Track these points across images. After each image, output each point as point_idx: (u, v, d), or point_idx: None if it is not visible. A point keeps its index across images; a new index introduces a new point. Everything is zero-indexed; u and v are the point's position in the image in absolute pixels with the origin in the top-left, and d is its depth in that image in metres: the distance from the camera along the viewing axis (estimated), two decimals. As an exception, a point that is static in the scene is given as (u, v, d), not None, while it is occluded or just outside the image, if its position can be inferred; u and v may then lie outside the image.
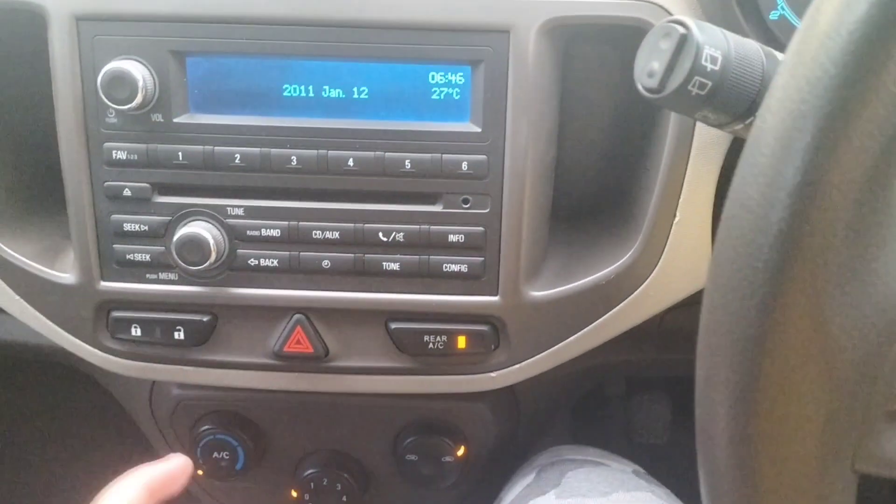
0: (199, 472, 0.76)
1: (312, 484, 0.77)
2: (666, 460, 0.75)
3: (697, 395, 0.33)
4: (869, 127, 0.27)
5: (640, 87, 0.41)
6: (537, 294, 0.62)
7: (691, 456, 0.67)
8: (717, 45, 0.39)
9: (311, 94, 0.58)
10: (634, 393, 1.25)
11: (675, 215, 0.60)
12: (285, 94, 0.58)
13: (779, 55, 0.41)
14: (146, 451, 0.85)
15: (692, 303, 0.66)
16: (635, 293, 0.62)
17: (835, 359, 0.30)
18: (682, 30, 0.39)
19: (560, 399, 0.90)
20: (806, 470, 0.31)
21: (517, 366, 0.64)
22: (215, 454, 0.75)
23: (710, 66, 0.38)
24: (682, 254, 0.61)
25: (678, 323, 0.76)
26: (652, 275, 0.62)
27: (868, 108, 0.27)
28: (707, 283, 0.32)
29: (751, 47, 0.40)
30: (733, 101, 0.39)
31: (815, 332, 0.29)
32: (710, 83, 0.39)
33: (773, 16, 0.63)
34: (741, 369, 0.30)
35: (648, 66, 0.40)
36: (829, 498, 0.32)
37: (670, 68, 0.40)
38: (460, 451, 0.76)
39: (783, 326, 0.29)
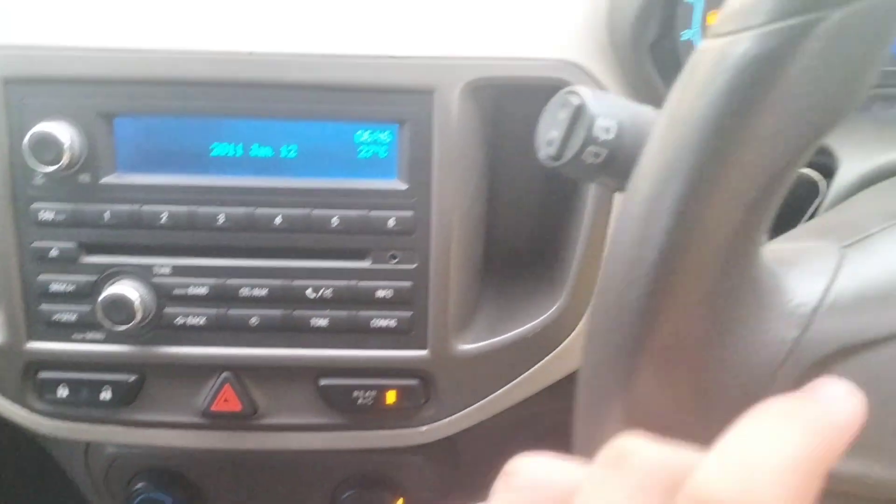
0: (134, 532, 0.75)
1: (249, 543, 0.76)
2: None
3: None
4: (723, 208, 0.29)
5: (540, 155, 0.43)
6: (466, 347, 0.63)
7: None
8: (612, 114, 0.40)
9: (240, 153, 0.59)
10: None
11: (599, 268, 0.62)
12: (213, 153, 0.58)
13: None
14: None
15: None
16: (562, 345, 0.63)
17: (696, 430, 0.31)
18: (576, 101, 0.41)
19: (501, 446, 0.90)
20: None
21: (446, 420, 0.64)
22: (150, 513, 0.74)
23: (603, 136, 0.40)
24: (608, 306, 0.63)
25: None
26: (578, 327, 0.63)
27: (723, 190, 0.28)
28: (583, 347, 0.33)
29: (646, 116, 0.42)
30: (628, 168, 0.41)
31: (676, 403, 0.30)
32: (604, 152, 0.40)
33: (684, 36, 0.64)
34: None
35: (548, 135, 0.42)
36: None
37: (567, 138, 0.41)
38: (398, 504, 0.76)
39: (643, 398, 0.30)
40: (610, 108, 0.41)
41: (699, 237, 0.29)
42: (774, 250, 0.36)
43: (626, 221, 0.31)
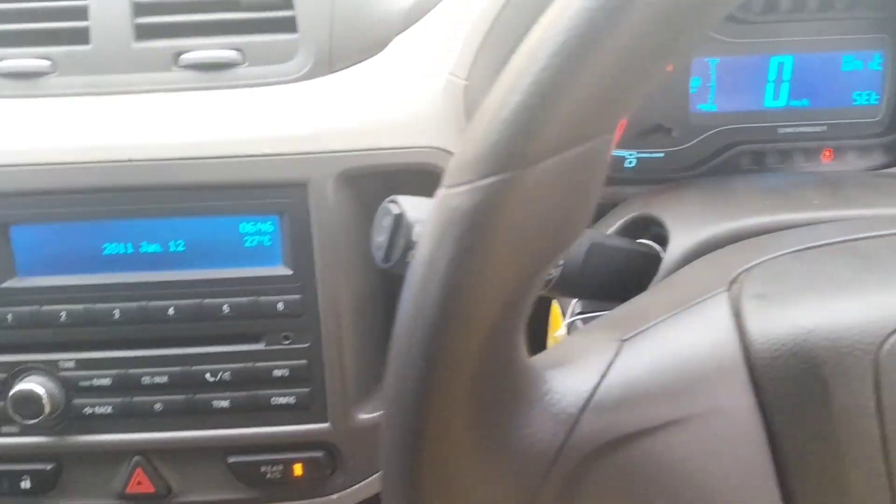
0: None
1: None
2: None
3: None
4: (471, 324, 0.31)
5: (374, 258, 0.45)
6: (367, 416, 0.65)
7: None
8: None
9: (131, 251, 0.62)
10: None
11: None
12: (106, 252, 0.62)
13: None
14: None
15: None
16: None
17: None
18: (396, 209, 0.44)
19: None
20: None
21: (356, 486, 0.67)
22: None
23: None
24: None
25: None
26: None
27: (463, 317, 0.31)
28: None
29: None
30: None
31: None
32: None
33: None
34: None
35: (377, 240, 0.45)
36: None
37: (392, 243, 0.44)
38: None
39: (423, 496, 0.32)
40: (427, 214, 0.43)
41: (454, 348, 0.31)
42: (549, 352, 0.38)
43: (395, 341, 0.33)
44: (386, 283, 0.67)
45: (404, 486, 0.33)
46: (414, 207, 0.44)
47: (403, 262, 0.44)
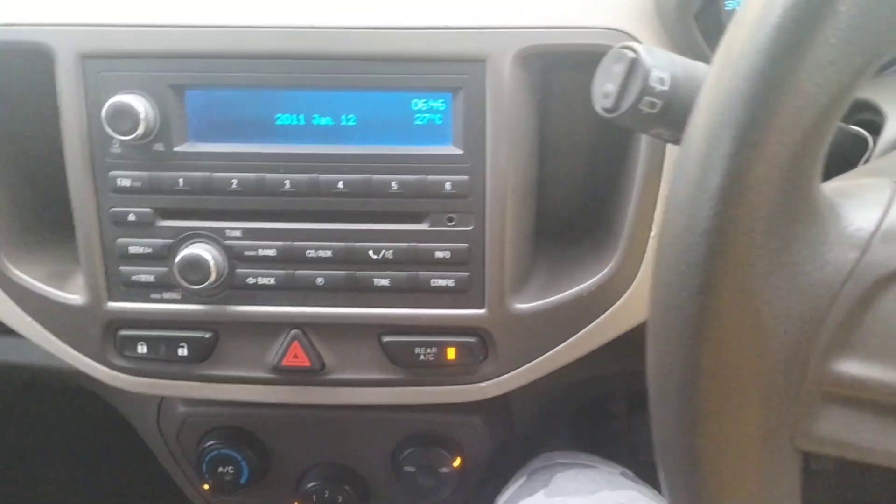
0: (206, 487, 0.79)
1: (315, 497, 0.80)
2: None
3: (648, 384, 0.36)
4: (781, 134, 0.30)
5: (597, 107, 0.45)
6: (522, 306, 0.65)
7: None
8: (665, 67, 0.42)
9: (303, 122, 0.61)
10: (636, 410, 1.27)
11: (650, 229, 0.63)
12: (278, 122, 0.61)
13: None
14: (154, 470, 0.88)
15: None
16: (616, 304, 0.65)
17: (767, 344, 0.33)
18: (631, 54, 0.43)
19: (555, 410, 0.93)
20: (748, 448, 0.34)
21: (505, 376, 0.67)
22: (220, 469, 0.78)
23: (658, 87, 0.42)
24: (660, 266, 0.64)
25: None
26: (631, 287, 0.65)
27: (781, 117, 0.30)
28: (651, 281, 0.35)
29: (698, 68, 0.44)
30: (683, 118, 0.42)
31: (748, 320, 0.32)
32: (660, 102, 0.42)
33: (729, 5, 0.65)
34: (683, 357, 0.33)
35: (604, 88, 0.44)
36: (773, 473, 0.35)
37: (623, 90, 0.43)
38: (456, 462, 0.78)
39: (717, 316, 0.32)
40: (663, 61, 0.42)
41: (761, 161, 0.30)
42: (831, 184, 0.37)
43: (689, 151, 0.32)
44: (542, 174, 0.67)
45: (702, 295, 0.32)
46: (650, 53, 0.43)
47: (635, 111, 0.43)
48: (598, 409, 1.27)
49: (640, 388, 1.15)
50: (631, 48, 0.43)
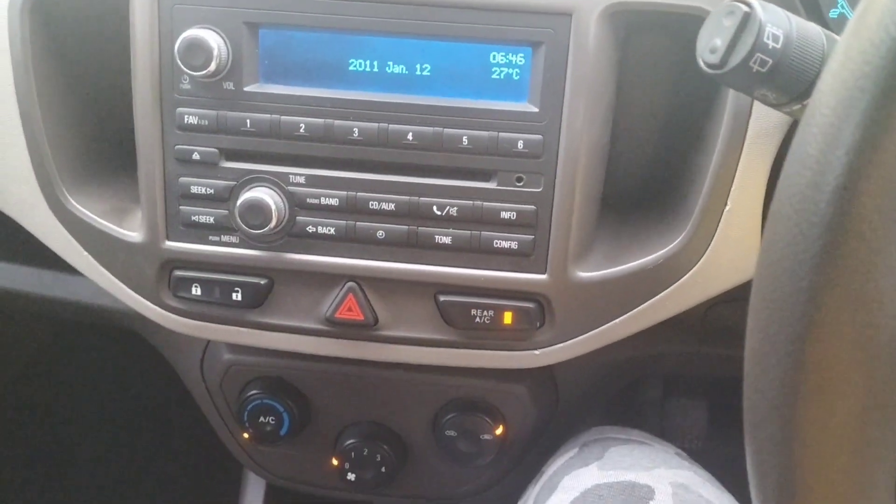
0: (245, 436, 0.79)
1: (353, 454, 0.79)
2: (702, 465, 0.76)
3: (747, 348, 0.34)
4: None
5: (701, 62, 0.42)
6: (584, 275, 0.63)
7: (727, 462, 0.67)
8: (780, 24, 0.40)
9: (376, 69, 0.60)
10: (671, 396, 1.25)
11: (725, 204, 0.61)
12: (350, 67, 0.60)
13: (839, 39, 0.42)
14: (194, 419, 0.88)
15: (737, 298, 0.67)
16: (681, 280, 0.63)
17: (883, 321, 0.31)
18: (745, 8, 0.41)
19: (599, 388, 0.91)
20: (851, 423, 0.32)
21: (560, 345, 0.65)
22: (261, 419, 0.78)
23: (771, 44, 0.39)
24: (731, 243, 0.62)
25: (722, 318, 0.77)
26: (699, 262, 0.63)
27: None
28: (764, 240, 0.33)
29: (812, 29, 0.41)
30: (793, 80, 0.40)
31: (866, 289, 0.30)
32: (770, 61, 0.40)
33: (833, 14, 0.64)
34: (791, 321, 0.31)
35: (711, 42, 0.42)
36: (876, 451, 0.33)
37: (732, 45, 0.41)
38: (499, 431, 0.77)
39: (835, 281, 0.30)
40: (778, 19, 0.40)
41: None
42: None
43: (812, 128, 0.30)
44: (613, 138, 0.64)
45: (823, 256, 0.30)
46: (765, 9, 0.41)
47: (743, 68, 0.41)
48: (631, 392, 1.25)
49: (677, 373, 1.13)
50: (745, 1, 0.41)
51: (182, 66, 0.58)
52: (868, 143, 0.28)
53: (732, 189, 0.61)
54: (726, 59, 0.41)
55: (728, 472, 0.75)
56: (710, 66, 0.42)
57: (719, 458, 0.95)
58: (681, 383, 1.25)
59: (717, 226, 0.62)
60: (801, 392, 0.31)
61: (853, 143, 0.29)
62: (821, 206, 0.29)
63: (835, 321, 0.30)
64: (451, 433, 0.77)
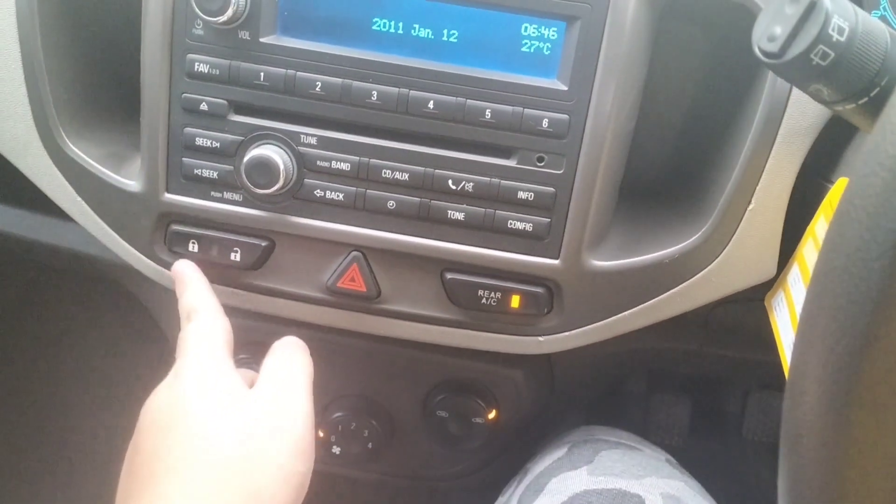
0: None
1: (340, 427, 0.77)
2: (682, 462, 0.75)
3: (793, 357, 0.32)
4: None
5: (757, 51, 0.40)
6: (598, 263, 0.61)
7: (706, 460, 0.65)
8: (846, 16, 0.37)
9: (400, 31, 0.57)
10: (656, 392, 1.24)
11: (749, 202, 0.59)
12: (374, 27, 0.57)
13: None
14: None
15: (742, 299, 0.65)
16: (697, 276, 0.61)
17: None
18: None
19: (594, 380, 0.90)
20: None
21: (567, 333, 0.63)
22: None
23: (836, 37, 0.37)
24: (751, 243, 0.60)
25: (725, 318, 0.75)
26: (717, 260, 0.61)
27: None
28: (826, 243, 0.30)
29: (878, 25, 0.39)
30: (852, 76, 0.38)
31: None
32: (833, 54, 0.37)
33: (875, 14, 0.62)
34: (854, 332, 0.28)
35: (770, 30, 0.39)
36: None
37: (794, 34, 0.38)
38: (491, 415, 0.75)
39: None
40: (845, 10, 0.38)
41: None
42: None
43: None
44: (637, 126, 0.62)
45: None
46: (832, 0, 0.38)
47: (803, 60, 0.38)
48: (614, 385, 1.24)
49: (661, 368, 1.11)
50: None
51: (197, 10, 0.55)
52: None
53: (758, 188, 0.59)
54: (786, 49, 0.39)
55: (707, 471, 0.74)
56: (766, 54, 0.39)
57: (699, 456, 0.94)
58: (665, 379, 1.24)
59: (739, 224, 0.60)
60: (854, 407, 0.29)
61: None
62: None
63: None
64: (443, 413, 0.75)
